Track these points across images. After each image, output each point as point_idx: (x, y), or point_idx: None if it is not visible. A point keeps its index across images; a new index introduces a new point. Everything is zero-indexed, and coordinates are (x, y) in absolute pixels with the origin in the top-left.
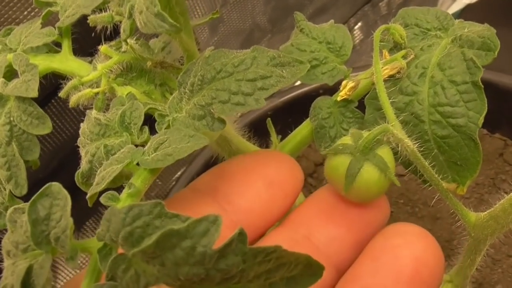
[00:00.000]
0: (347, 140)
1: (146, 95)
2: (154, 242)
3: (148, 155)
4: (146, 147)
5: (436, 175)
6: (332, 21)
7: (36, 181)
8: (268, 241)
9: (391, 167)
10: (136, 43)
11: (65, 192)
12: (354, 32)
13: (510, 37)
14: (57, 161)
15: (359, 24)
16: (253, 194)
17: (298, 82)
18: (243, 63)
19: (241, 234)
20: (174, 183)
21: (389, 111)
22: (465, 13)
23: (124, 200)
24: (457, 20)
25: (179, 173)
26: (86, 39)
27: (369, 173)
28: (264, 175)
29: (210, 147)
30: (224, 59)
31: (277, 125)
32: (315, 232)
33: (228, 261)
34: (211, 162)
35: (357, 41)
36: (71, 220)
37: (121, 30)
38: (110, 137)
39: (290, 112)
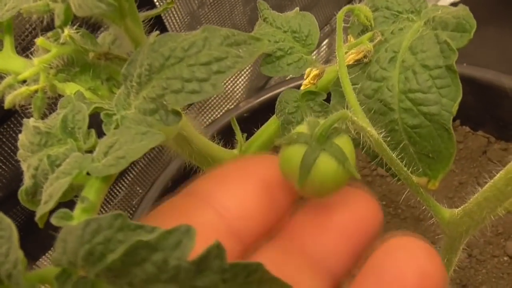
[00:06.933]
0: (302, 128)
1: (91, 91)
2: (120, 256)
3: (98, 162)
4: (95, 153)
5: (406, 168)
6: (297, 8)
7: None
8: (260, 256)
9: (350, 158)
10: (77, 32)
11: (7, 220)
12: None
13: (498, 33)
14: None
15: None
16: (252, 198)
17: (273, 82)
18: (194, 45)
19: (219, 248)
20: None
21: (351, 96)
22: None
23: (78, 217)
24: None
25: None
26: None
27: (325, 164)
28: (262, 177)
29: (170, 148)
30: (172, 44)
31: (255, 126)
32: (310, 244)
33: (205, 279)
34: (188, 165)
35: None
36: (20, 252)
37: (55, 16)
38: (53, 146)
39: (268, 112)
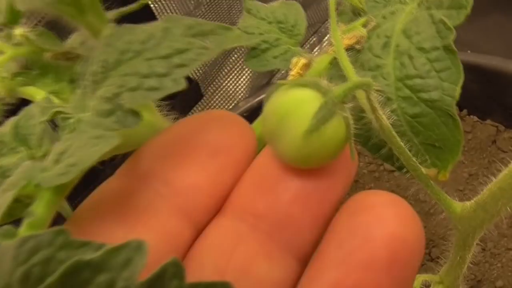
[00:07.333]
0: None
1: (54, 95)
2: (58, 278)
3: (49, 171)
4: (46, 161)
5: (414, 159)
6: None
7: None
8: (208, 242)
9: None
10: (33, 31)
11: None
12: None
13: (500, 21)
14: None
15: None
16: (196, 168)
17: (277, 80)
18: (153, 37)
19: (176, 266)
20: None
21: (354, 78)
22: None
23: (23, 234)
24: None
25: None
26: None
27: (339, 124)
28: (207, 143)
29: None
30: (128, 36)
31: None
32: (263, 217)
33: None
34: None
35: None
36: None
37: None
38: (5, 156)
39: None
